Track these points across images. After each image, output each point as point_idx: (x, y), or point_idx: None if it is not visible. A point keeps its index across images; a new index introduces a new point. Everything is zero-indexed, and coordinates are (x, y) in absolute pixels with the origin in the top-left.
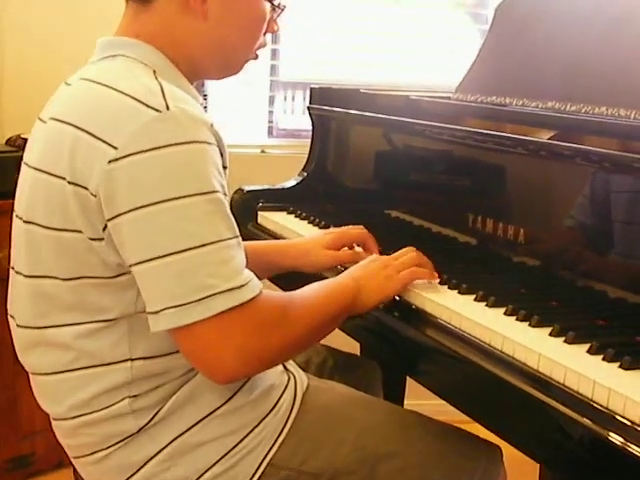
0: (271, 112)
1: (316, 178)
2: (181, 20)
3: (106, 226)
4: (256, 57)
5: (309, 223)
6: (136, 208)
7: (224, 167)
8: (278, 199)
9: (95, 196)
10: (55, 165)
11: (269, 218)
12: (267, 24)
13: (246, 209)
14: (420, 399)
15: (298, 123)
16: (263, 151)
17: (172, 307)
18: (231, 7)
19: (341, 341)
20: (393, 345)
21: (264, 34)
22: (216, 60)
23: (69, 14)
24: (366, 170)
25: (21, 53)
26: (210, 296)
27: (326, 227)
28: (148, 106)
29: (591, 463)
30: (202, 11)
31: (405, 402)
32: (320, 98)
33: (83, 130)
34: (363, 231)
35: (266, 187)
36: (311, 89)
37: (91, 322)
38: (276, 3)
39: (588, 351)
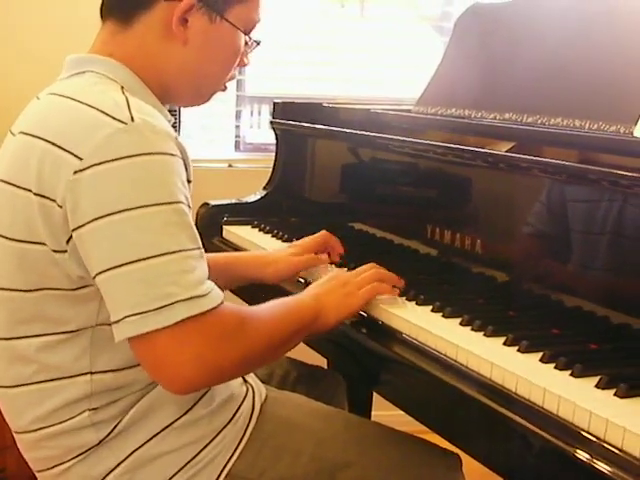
0: (238, 127)
1: (280, 192)
2: (160, 44)
3: (70, 237)
4: (224, 89)
5: (273, 237)
6: (99, 217)
7: (188, 181)
8: (243, 213)
9: (61, 207)
10: (22, 177)
11: (234, 232)
12: (239, 57)
13: (212, 223)
14: (388, 410)
15: (265, 137)
16: (230, 165)
17: (133, 315)
18: (211, 36)
19: (308, 353)
20: (356, 358)
21: (235, 67)
22: (188, 87)
23: (40, 32)
24: (329, 183)
25: None
26: (170, 304)
27: (289, 240)
28: (113, 118)
29: (548, 472)
30: (183, 37)
31: (373, 413)
32: (283, 112)
33: (50, 142)
34: (321, 235)
35: (231, 201)
36: (274, 103)
37: (52, 334)
38: (253, 38)
39: (541, 360)
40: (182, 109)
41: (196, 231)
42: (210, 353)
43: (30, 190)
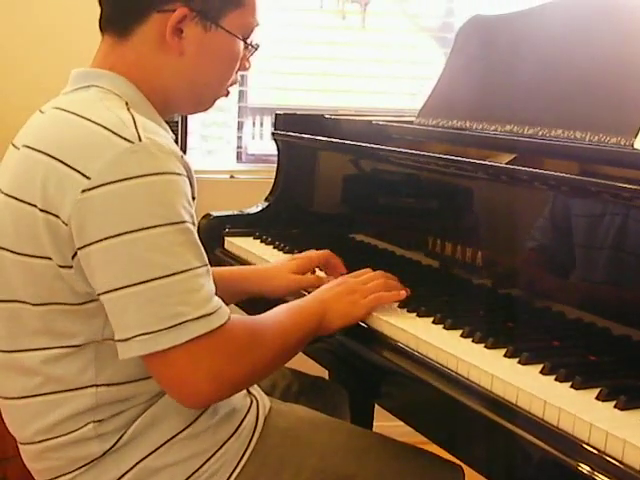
0: (240, 137)
1: (281, 203)
2: (157, 56)
3: (75, 254)
4: (227, 94)
5: (274, 248)
6: (107, 237)
7: (193, 198)
8: (244, 224)
9: (66, 224)
10: (26, 192)
11: (235, 243)
12: (239, 62)
13: (213, 234)
14: (391, 421)
15: (267, 148)
16: (232, 176)
17: (142, 334)
18: (207, 45)
19: (310, 366)
20: (357, 369)
21: (236, 72)
22: (189, 96)
23: (43, 44)
24: (330, 195)
25: None
26: (181, 324)
27: (291, 252)
28: (121, 137)
29: None
30: (178, 48)
31: (375, 424)
32: (285, 124)
33: (56, 159)
34: (325, 252)
35: (233, 212)
36: (276, 115)
37: (58, 347)
38: (250, 42)
39: (541, 372)
40: (188, 121)
41: (202, 248)
42: (225, 367)
43: (35, 205)
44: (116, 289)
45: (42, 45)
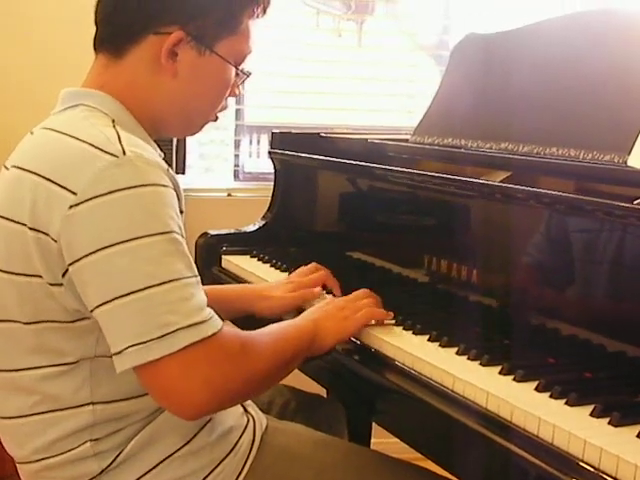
0: (237, 156)
1: (279, 221)
2: (150, 77)
3: (66, 271)
4: (216, 119)
5: (271, 266)
6: (96, 250)
7: (181, 211)
8: (242, 243)
9: (56, 241)
10: (16, 212)
11: (233, 262)
12: (230, 88)
13: (211, 253)
14: (388, 438)
15: (264, 166)
16: (229, 195)
17: (135, 345)
18: (200, 69)
19: (307, 383)
20: (354, 387)
21: (226, 98)
22: (179, 118)
23: (38, 64)
24: (327, 213)
25: None
26: (172, 332)
27: (288, 270)
28: (105, 152)
29: None
30: (172, 70)
31: (373, 440)
32: (281, 142)
33: (43, 177)
34: (322, 275)
35: (230, 231)
36: (272, 134)
37: (53, 366)
38: (242, 70)
39: (536, 389)
40: (186, 140)
41: (192, 259)
42: (217, 377)
43: (25, 224)
44: (107, 301)
45: (37, 67)
